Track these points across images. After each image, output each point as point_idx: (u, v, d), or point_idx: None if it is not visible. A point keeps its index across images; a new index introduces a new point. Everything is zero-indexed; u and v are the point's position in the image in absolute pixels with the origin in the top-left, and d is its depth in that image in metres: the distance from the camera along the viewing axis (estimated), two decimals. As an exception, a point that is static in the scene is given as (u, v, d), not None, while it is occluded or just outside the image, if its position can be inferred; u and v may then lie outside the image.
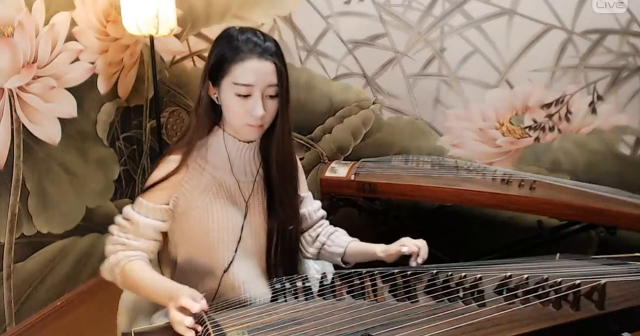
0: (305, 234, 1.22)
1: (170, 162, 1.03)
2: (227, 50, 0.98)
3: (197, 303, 0.83)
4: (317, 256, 1.22)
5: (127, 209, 1.04)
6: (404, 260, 1.06)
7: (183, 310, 0.83)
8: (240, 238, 1.06)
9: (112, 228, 1.05)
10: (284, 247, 1.13)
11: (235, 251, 1.06)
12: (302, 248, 1.22)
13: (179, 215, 1.05)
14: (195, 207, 1.04)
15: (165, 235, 1.10)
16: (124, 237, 1.02)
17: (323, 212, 1.25)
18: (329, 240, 1.19)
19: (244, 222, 1.07)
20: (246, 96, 0.97)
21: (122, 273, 1.00)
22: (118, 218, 1.05)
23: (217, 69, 0.99)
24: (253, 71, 0.96)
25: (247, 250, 1.09)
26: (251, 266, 1.10)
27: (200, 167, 1.05)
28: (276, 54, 0.98)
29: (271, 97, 0.99)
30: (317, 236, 1.20)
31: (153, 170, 1.06)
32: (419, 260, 1.03)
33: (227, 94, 0.99)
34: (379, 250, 1.10)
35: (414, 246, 1.04)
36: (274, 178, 1.09)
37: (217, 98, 1.02)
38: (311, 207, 1.22)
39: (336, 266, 1.22)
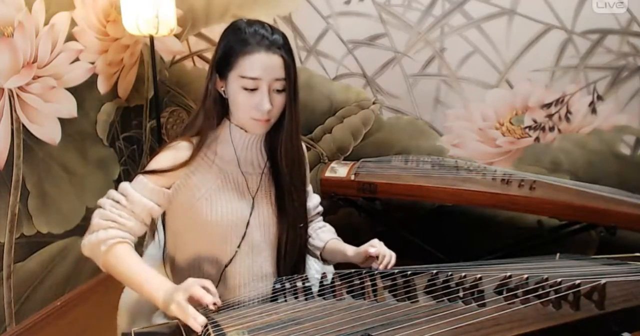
0: None
1: (181, 150, 1.01)
2: (234, 42, 0.96)
3: (209, 295, 0.82)
4: None
5: (125, 185, 1.00)
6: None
7: (192, 300, 0.82)
8: (245, 233, 1.05)
9: (104, 202, 0.99)
10: (294, 244, 1.11)
11: (239, 246, 1.05)
12: None
13: (182, 206, 1.03)
14: (198, 198, 1.02)
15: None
16: (116, 213, 0.97)
17: (320, 209, 1.25)
18: (314, 233, 1.20)
19: (250, 216, 1.06)
20: (253, 90, 0.96)
21: (108, 253, 0.94)
22: (112, 192, 1.00)
23: (224, 62, 0.98)
24: (260, 64, 0.94)
25: (255, 246, 1.07)
26: (258, 263, 1.09)
27: (209, 158, 1.04)
28: (284, 47, 0.96)
29: (278, 91, 0.98)
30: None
31: (159, 152, 1.03)
32: (381, 266, 1.01)
33: (233, 87, 0.98)
34: (351, 250, 1.09)
35: (382, 250, 1.03)
36: (284, 175, 1.07)
37: (224, 91, 1.01)
38: (311, 202, 1.22)
39: (336, 266, 1.21)
